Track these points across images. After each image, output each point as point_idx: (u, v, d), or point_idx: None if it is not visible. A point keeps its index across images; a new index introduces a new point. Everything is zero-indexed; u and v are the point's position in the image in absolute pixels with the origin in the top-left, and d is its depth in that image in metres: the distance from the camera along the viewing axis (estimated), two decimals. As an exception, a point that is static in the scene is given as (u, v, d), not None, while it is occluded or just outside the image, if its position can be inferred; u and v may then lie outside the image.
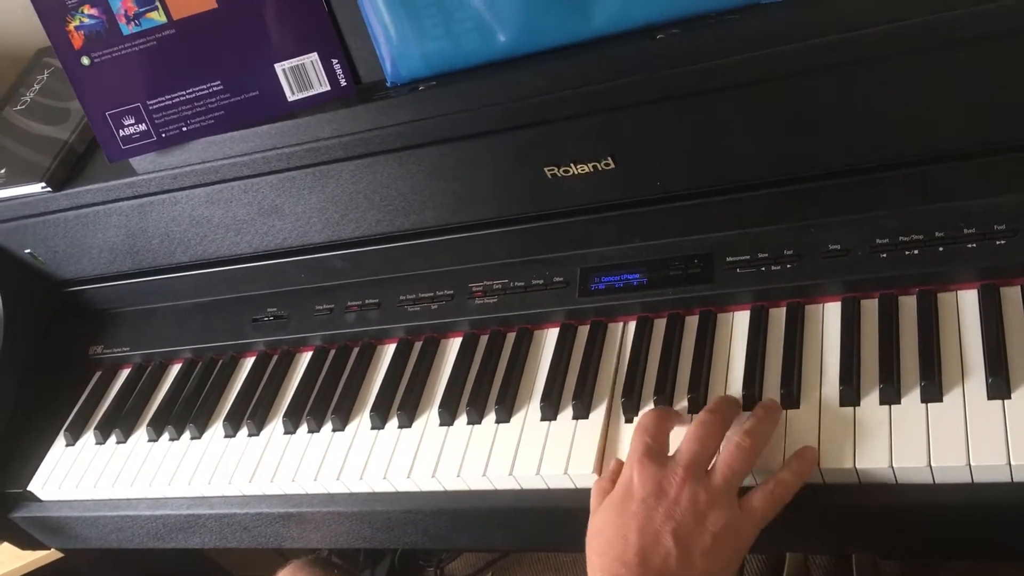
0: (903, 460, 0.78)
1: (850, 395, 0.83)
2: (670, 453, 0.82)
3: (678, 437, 0.84)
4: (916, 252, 0.88)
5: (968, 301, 0.86)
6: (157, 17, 0.94)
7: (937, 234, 0.87)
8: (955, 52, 0.79)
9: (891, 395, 0.82)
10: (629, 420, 0.91)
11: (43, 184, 1.10)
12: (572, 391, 0.95)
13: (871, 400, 0.83)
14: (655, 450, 0.81)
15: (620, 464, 0.86)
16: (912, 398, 0.81)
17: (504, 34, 0.89)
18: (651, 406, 0.90)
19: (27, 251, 1.19)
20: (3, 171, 1.14)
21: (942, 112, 0.83)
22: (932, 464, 0.77)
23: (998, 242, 0.85)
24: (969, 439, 0.77)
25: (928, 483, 0.78)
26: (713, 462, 0.80)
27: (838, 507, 0.81)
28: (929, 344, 0.83)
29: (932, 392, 0.80)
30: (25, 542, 1.21)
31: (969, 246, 0.86)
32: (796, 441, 0.83)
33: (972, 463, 0.76)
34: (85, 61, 0.95)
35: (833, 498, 0.81)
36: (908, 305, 0.87)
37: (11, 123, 1.21)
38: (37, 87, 1.24)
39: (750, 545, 0.77)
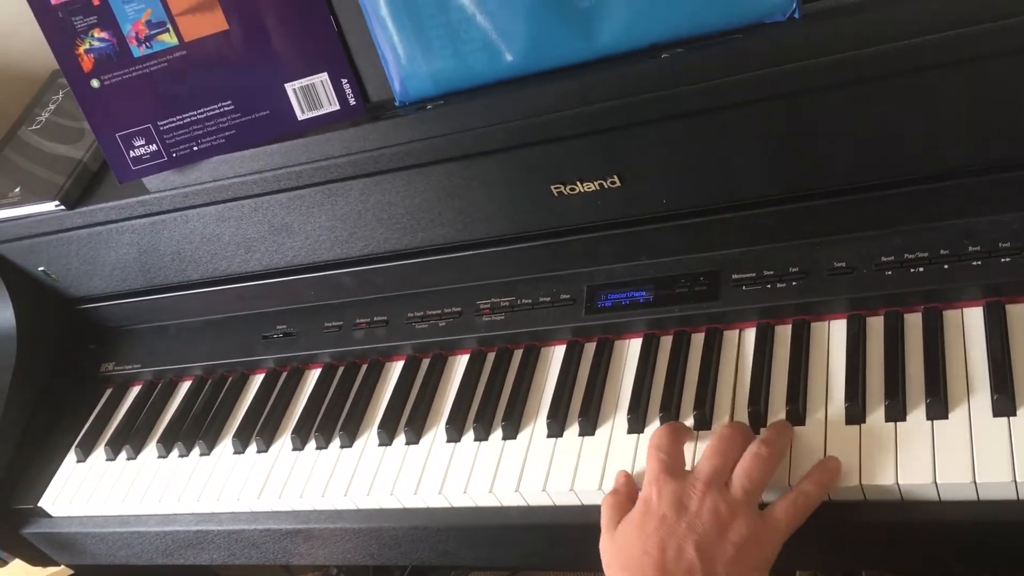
0: (909, 477, 0.78)
1: (856, 412, 0.83)
2: (687, 468, 0.82)
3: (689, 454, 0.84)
4: (921, 270, 0.88)
5: (973, 318, 0.86)
6: (168, 39, 0.95)
7: (942, 252, 0.87)
8: (959, 70, 0.79)
9: (897, 412, 0.82)
10: (634, 434, 0.91)
11: (57, 202, 1.11)
12: (578, 408, 0.95)
13: (877, 417, 0.83)
14: (672, 466, 0.81)
15: (627, 476, 0.87)
16: (918, 415, 0.81)
17: (511, 53, 0.90)
18: (657, 423, 0.91)
19: (40, 269, 1.21)
20: (18, 190, 1.15)
21: (947, 130, 0.84)
22: (937, 481, 0.77)
23: (1003, 260, 0.85)
24: (975, 456, 0.77)
25: (934, 500, 0.78)
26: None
27: (844, 524, 0.81)
28: (935, 361, 0.83)
29: (938, 409, 0.80)
30: (36, 558, 1.22)
31: (974, 264, 0.86)
32: (802, 459, 0.83)
33: (977, 480, 0.76)
34: (95, 84, 0.97)
35: (839, 515, 0.81)
36: (913, 322, 0.88)
37: (26, 142, 1.22)
38: (52, 107, 1.26)
39: (774, 557, 0.77)
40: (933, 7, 0.77)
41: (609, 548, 0.81)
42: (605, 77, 0.87)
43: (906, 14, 0.78)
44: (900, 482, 0.78)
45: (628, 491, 0.85)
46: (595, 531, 0.84)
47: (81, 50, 0.95)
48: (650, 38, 0.87)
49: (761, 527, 0.76)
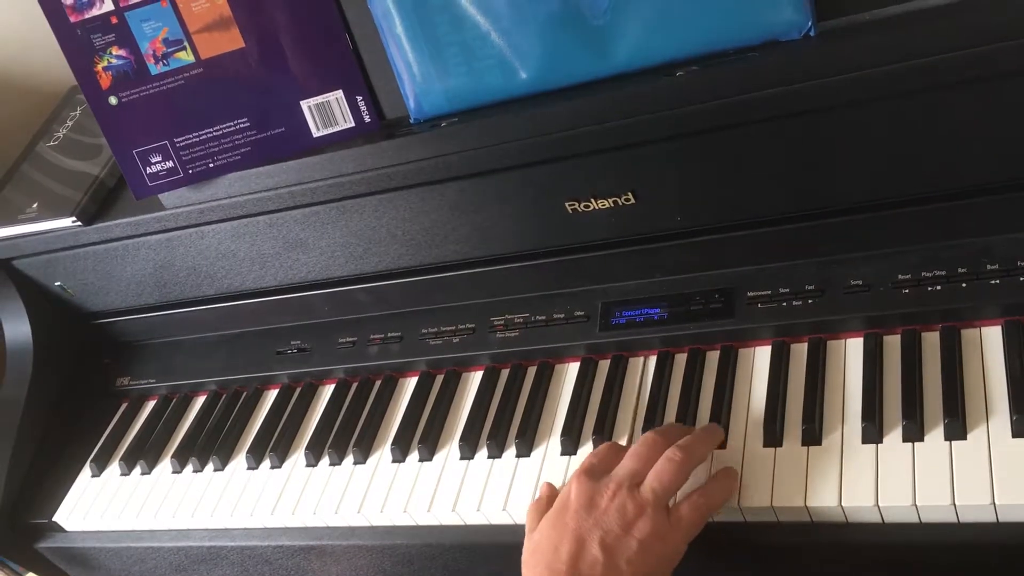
0: (926, 499, 0.77)
1: (872, 432, 0.82)
2: None
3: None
4: (939, 288, 0.87)
5: (992, 337, 0.85)
6: (185, 57, 0.96)
7: (960, 270, 0.87)
8: (975, 89, 0.79)
9: (914, 432, 0.81)
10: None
11: (74, 218, 1.12)
12: (592, 426, 0.95)
13: (894, 437, 0.82)
14: (596, 469, 0.84)
15: (550, 486, 0.89)
16: (935, 436, 0.81)
17: (525, 71, 0.90)
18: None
19: (57, 284, 1.21)
20: (35, 205, 1.16)
21: (963, 148, 0.83)
22: (956, 503, 0.76)
23: (1022, 278, 0.84)
24: (994, 477, 0.76)
25: (952, 522, 0.77)
26: None
27: (860, 545, 0.81)
28: (952, 381, 0.83)
29: (956, 430, 0.80)
30: (50, 573, 1.22)
31: (992, 282, 0.85)
32: (819, 478, 0.82)
33: (997, 502, 0.75)
34: (112, 101, 0.97)
35: (856, 536, 0.80)
36: (931, 341, 0.87)
37: (44, 158, 1.23)
38: (70, 123, 1.26)
39: (679, 555, 0.80)
40: (948, 26, 0.77)
41: (527, 546, 0.84)
42: (620, 95, 0.87)
43: (922, 33, 0.78)
44: (918, 503, 0.77)
45: (550, 498, 0.87)
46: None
47: (99, 67, 0.96)
48: (665, 56, 0.87)
49: (665, 525, 0.79)
